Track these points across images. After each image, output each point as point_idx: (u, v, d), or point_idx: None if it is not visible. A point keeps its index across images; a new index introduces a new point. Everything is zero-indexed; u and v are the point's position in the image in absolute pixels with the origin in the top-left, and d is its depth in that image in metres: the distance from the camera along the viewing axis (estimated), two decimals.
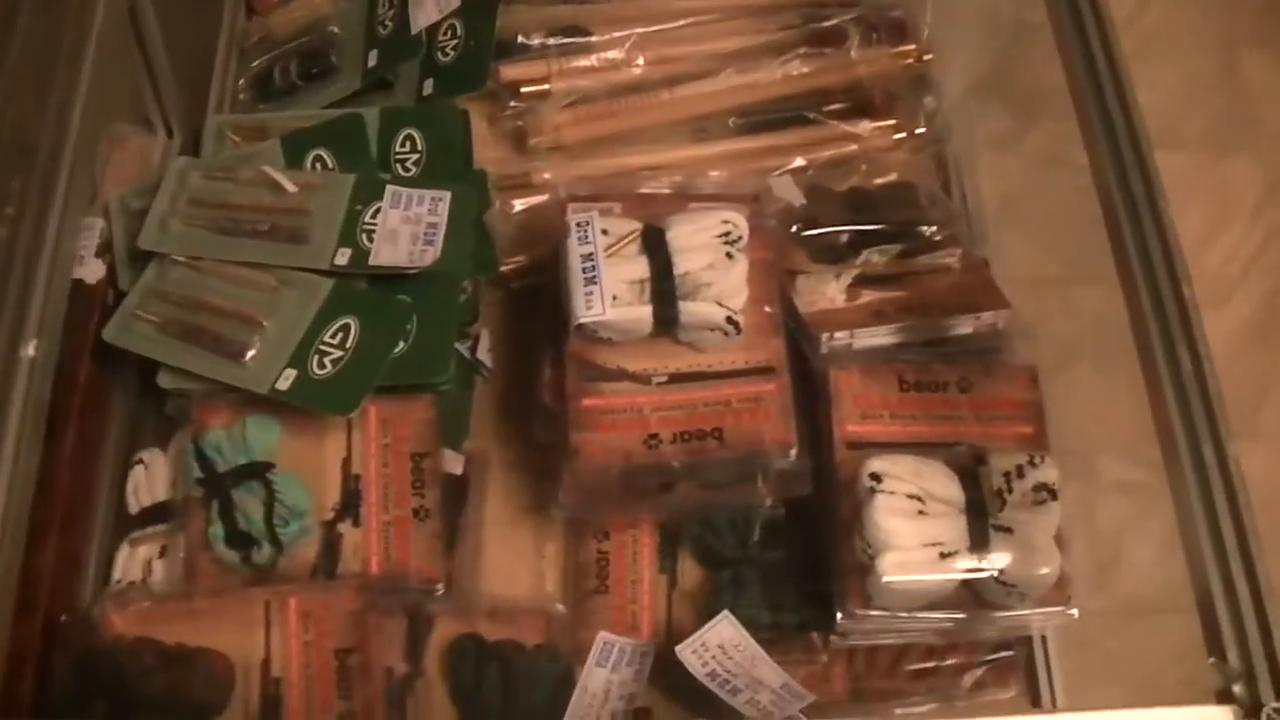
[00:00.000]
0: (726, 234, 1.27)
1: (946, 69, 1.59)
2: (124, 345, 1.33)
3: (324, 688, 1.20)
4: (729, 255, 1.26)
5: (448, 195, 1.36)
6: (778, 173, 1.48)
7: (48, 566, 1.24)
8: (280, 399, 1.26)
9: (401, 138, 1.45)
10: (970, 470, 1.21)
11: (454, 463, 1.32)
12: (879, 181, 1.50)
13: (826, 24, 1.59)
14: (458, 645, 1.26)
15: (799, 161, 1.51)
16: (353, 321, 1.28)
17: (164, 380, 1.31)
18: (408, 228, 1.34)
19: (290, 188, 1.37)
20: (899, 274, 1.38)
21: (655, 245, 1.26)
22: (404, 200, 1.36)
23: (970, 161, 1.60)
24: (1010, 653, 1.30)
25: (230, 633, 1.21)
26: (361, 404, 1.25)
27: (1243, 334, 2.40)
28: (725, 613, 1.20)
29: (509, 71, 1.53)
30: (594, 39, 1.56)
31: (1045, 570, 1.17)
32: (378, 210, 1.35)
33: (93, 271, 1.38)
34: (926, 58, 1.58)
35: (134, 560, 1.30)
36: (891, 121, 1.55)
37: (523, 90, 1.53)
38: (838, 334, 1.31)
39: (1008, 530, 1.17)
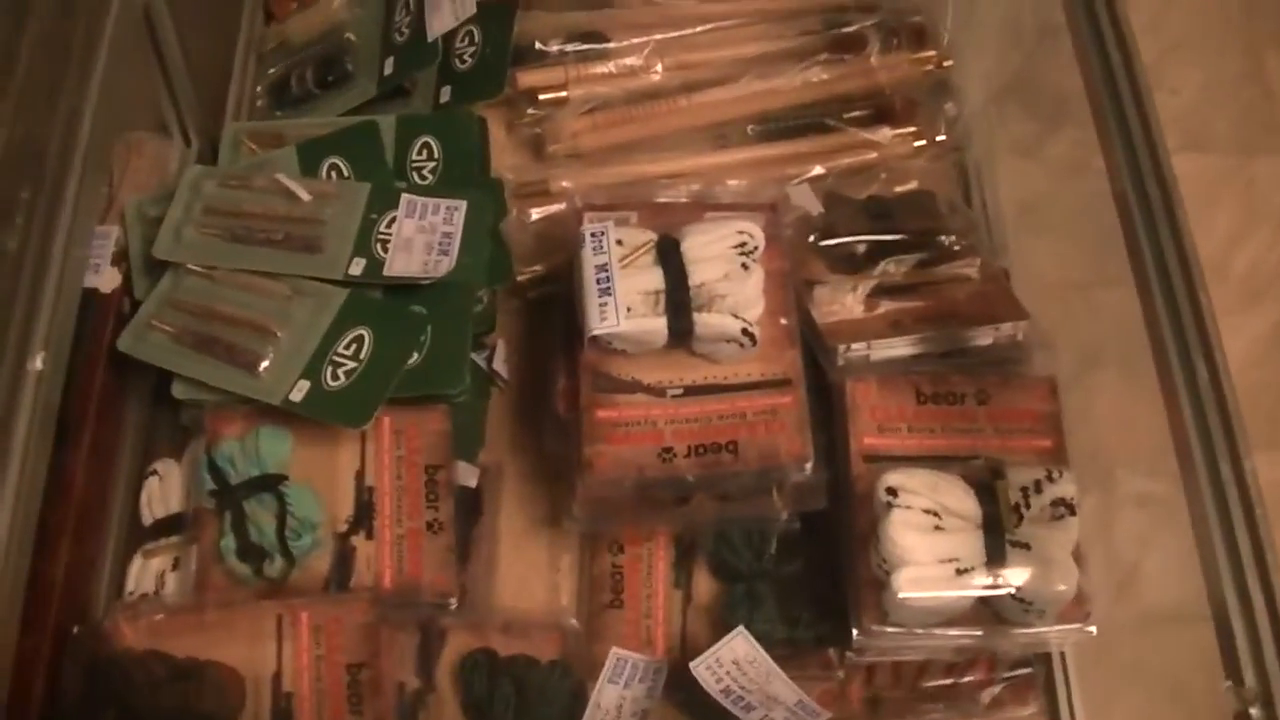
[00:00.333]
0: (742, 244, 1.26)
1: (967, 75, 1.58)
2: (138, 355, 1.33)
3: (335, 702, 1.19)
4: (744, 266, 1.25)
5: (463, 204, 1.35)
6: (795, 181, 1.47)
7: (60, 577, 1.24)
8: (293, 410, 1.25)
9: (418, 145, 1.44)
10: (988, 484, 1.20)
11: (468, 475, 1.31)
12: (898, 189, 1.49)
13: (847, 30, 1.58)
14: (470, 660, 1.25)
15: (818, 169, 1.50)
16: (366, 332, 1.28)
17: (178, 390, 1.31)
18: (423, 237, 1.33)
19: (304, 196, 1.36)
20: (917, 284, 1.37)
21: (670, 256, 1.25)
22: (419, 209, 1.35)
23: (990, 168, 1.59)
24: (1029, 669, 1.29)
25: (241, 646, 1.20)
26: (375, 416, 1.24)
27: (1271, 337, 2.38)
28: (740, 628, 1.20)
29: (526, 78, 1.53)
30: (612, 45, 1.55)
31: (1063, 587, 1.16)
32: (393, 219, 1.35)
33: (108, 280, 1.37)
34: (947, 64, 1.58)
35: (147, 572, 1.30)
36: (912, 128, 1.54)
37: (540, 97, 1.52)
38: (854, 345, 1.30)
39: (1025, 546, 1.16)
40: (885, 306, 1.35)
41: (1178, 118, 2.60)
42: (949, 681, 1.28)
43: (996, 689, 1.28)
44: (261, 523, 1.24)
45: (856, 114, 1.56)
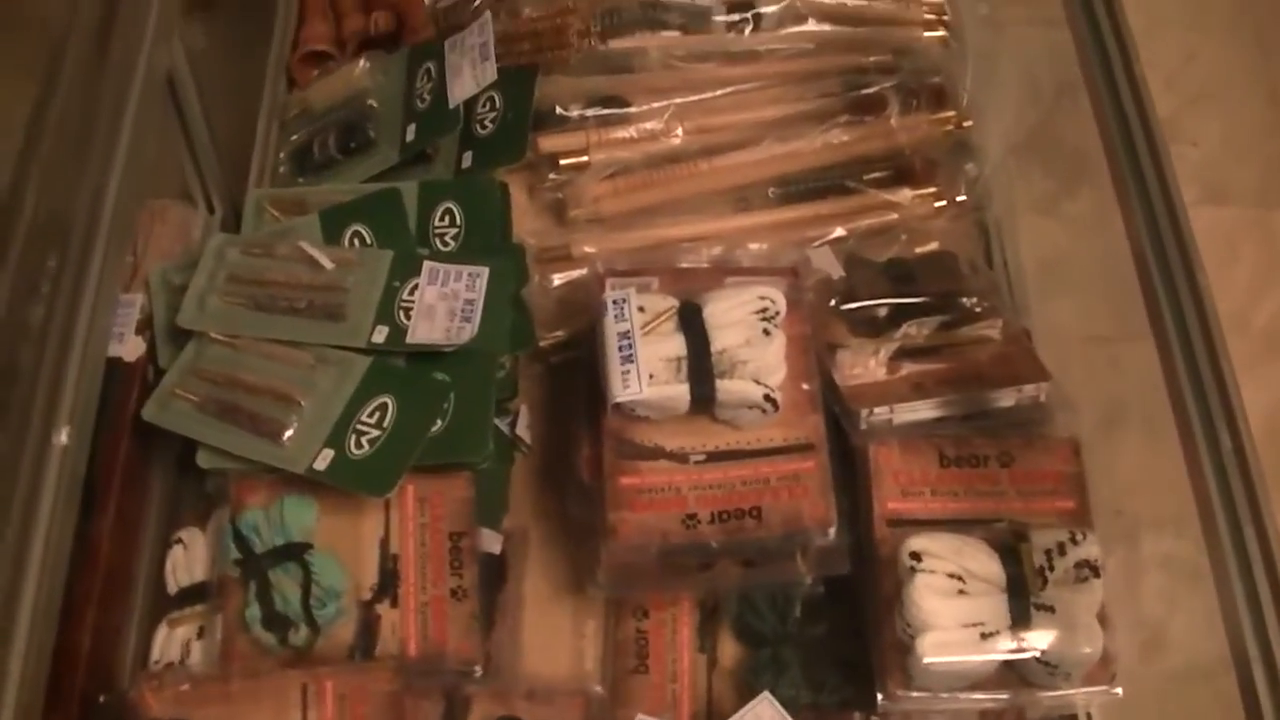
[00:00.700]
0: (764, 310, 1.26)
1: (986, 134, 1.59)
2: (162, 424, 1.33)
3: None
4: (766, 332, 1.25)
5: (485, 271, 1.36)
6: (817, 244, 1.47)
7: (85, 645, 1.25)
8: (317, 479, 1.25)
9: (440, 211, 1.44)
10: (1011, 547, 1.20)
11: (492, 541, 1.31)
12: (919, 250, 1.50)
13: (866, 92, 1.59)
14: None
15: (839, 231, 1.50)
16: (390, 400, 1.28)
17: (202, 460, 1.31)
18: (445, 304, 1.34)
19: (327, 264, 1.37)
20: (939, 346, 1.37)
21: (692, 322, 1.25)
22: (441, 276, 1.36)
23: (1011, 227, 1.59)
24: None
25: (267, 716, 1.20)
26: (398, 484, 1.24)
27: None
28: (765, 693, 1.20)
29: (547, 143, 1.53)
30: (632, 109, 1.56)
31: (1088, 649, 1.16)
32: (415, 287, 1.35)
33: (132, 349, 1.38)
34: (966, 124, 1.58)
35: (172, 641, 1.30)
36: (932, 189, 1.55)
37: (562, 162, 1.53)
38: (877, 409, 1.30)
39: (1049, 609, 1.16)
40: (907, 369, 1.36)
41: (1198, 170, 2.60)
42: None
43: None
44: (286, 591, 1.24)
45: (877, 175, 1.57)
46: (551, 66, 1.56)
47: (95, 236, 1.25)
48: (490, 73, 1.54)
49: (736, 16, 1.62)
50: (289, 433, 1.28)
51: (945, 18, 1.67)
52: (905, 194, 1.54)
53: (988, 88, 1.60)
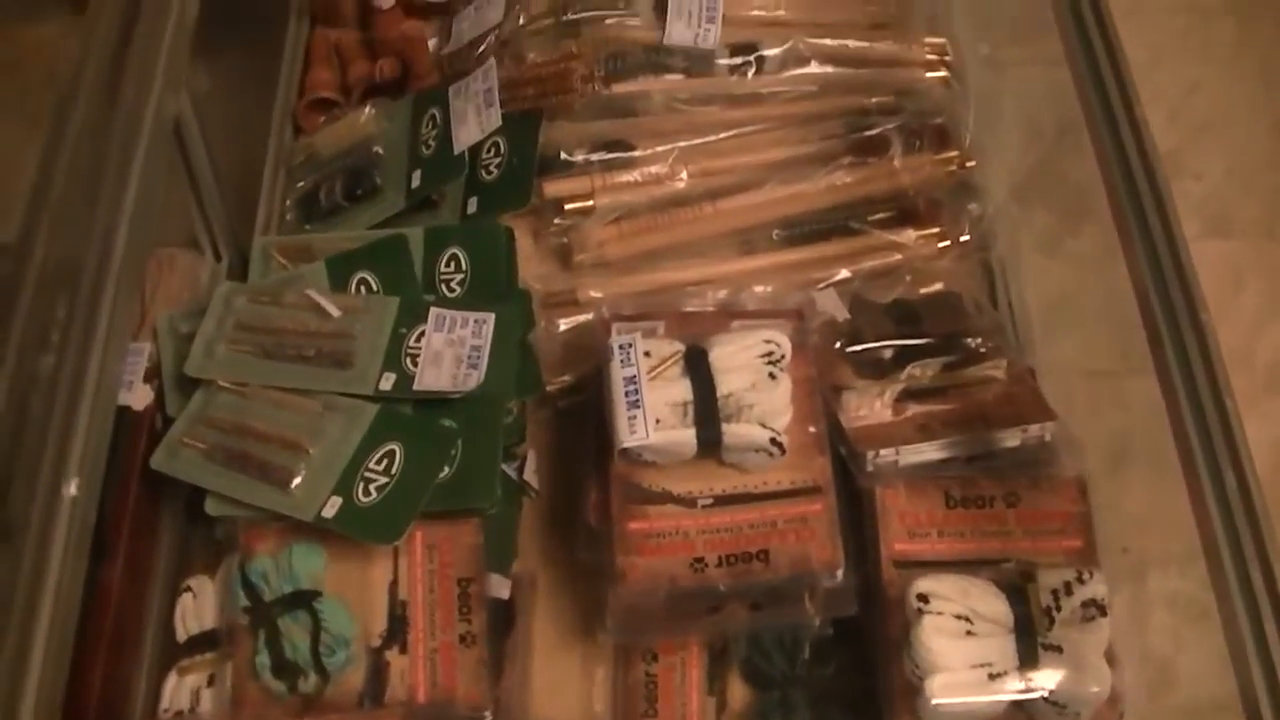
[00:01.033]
0: (769, 354, 1.27)
1: (989, 174, 1.59)
2: (171, 472, 1.34)
3: None
4: (771, 375, 1.26)
5: (491, 317, 1.36)
6: (821, 285, 1.48)
7: (96, 694, 1.25)
8: (326, 526, 1.26)
9: (446, 257, 1.45)
10: (1018, 587, 1.20)
11: (500, 587, 1.32)
12: (924, 291, 1.50)
13: (870, 133, 1.60)
14: None
15: (844, 272, 1.51)
16: (397, 447, 1.28)
17: (211, 507, 1.31)
18: (451, 350, 1.34)
19: (334, 312, 1.38)
20: (944, 387, 1.37)
21: (698, 367, 1.26)
22: (447, 323, 1.36)
23: (1015, 266, 1.60)
24: None
25: None
26: (407, 531, 1.25)
27: None
28: None
29: (552, 188, 1.54)
30: (637, 153, 1.57)
31: (1096, 689, 1.16)
32: (422, 333, 1.36)
33: (140, 397, 1.38)
34: (969, 164, 1.59)
35: (182, 689, 1.30)
36: (936, 229, 1.55)
37: (567, 206, 1.54)
38: (883, 451, 1.30)
39: (1057, 649, 1.17)
40: (913, 410, 1.36)
41: (1202, 203, 2.61)
42: None
43: None
44: (296, 639, 1.25)
45: (881, 216, 1.57)
46: (556, 112, 1.57)
47: (104, 284, 1.24)
48: (495, 118, 1.55)
49: (739, 60, 1.62)
50: (297, 480, 1.28)
51: (947, 58, 1.68)
52: (909, 235, 1.55)
53: (990, 128, 1.61)
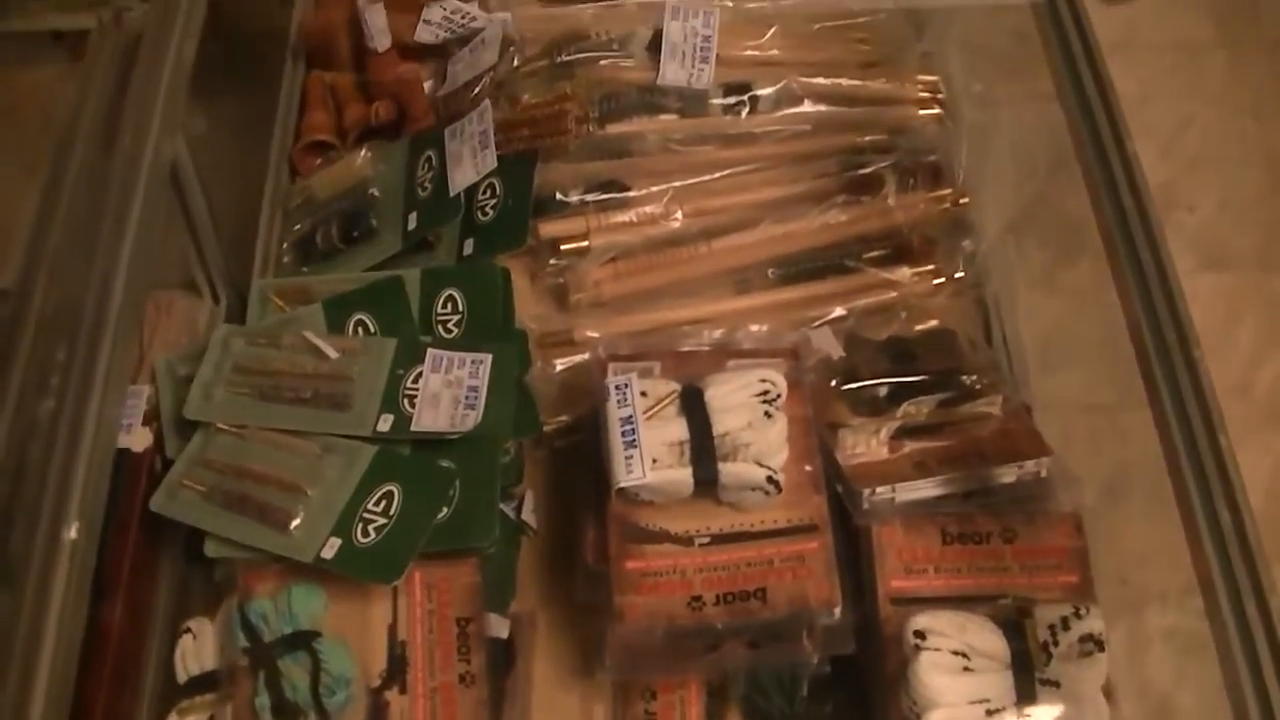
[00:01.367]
0: (765, 393, 1.27)
1: (983, 211, 1.60)
2: (170, 514, 1.34)
3: None
4: (768, 414, 1.26)
5: (488, 358, 1.37)
6: (817, 324, 1.49)
7: None
8: (325, 567, 1.26)
9: (443, 298, 1.45)
10: (1016, 623, 1.20)
11: (499, 626, 1.32)
12: (919, 328, 1.51)
13: (863, 171, 1.60)
14: None
15: (839, 311, 1.52)
16: (396, 488, 1.29)
17: (210, 549, 1.31)
18: (449, 391, 1.35)
19: (332, 354, 1.38)
20: (940, 424, 1.38)
21: (694, 406, 1.26)
22: (445, 364, 1.37)
23: (1010, 302, 1.60)
24: None
25: None
26: (406, 571, 1.25)
27: None
28: None
29: (548, 228, 1.55)
30: (632, 193, 1.58)
31: None
32: (419, 374, 1.36)
33: (139, 440, 1.39)
34: (963, 201, 1.60)
35: None
36: (930, 266, 1.56)
37: (562, 247, 1.54)
38: (880, 489, 1.30)
39: (1055, 684, 1.17)
40: (909, 447, 1.37)
41: (1196, 236, 2.62)
42: None
43: None
44: (295, 680, 1.25)
45: (875, 254, 1.58)
46: (551, 153, 1.58)
47: (103, 328, 1.25)
48: (490, 160, 1.56)
49: (733, 99, 1.64)
50: (296, 521, 1.29)
51: (940, 96, 1.69)
52: (904, 272, 1.55)
53: (983, 164, 1.61)
